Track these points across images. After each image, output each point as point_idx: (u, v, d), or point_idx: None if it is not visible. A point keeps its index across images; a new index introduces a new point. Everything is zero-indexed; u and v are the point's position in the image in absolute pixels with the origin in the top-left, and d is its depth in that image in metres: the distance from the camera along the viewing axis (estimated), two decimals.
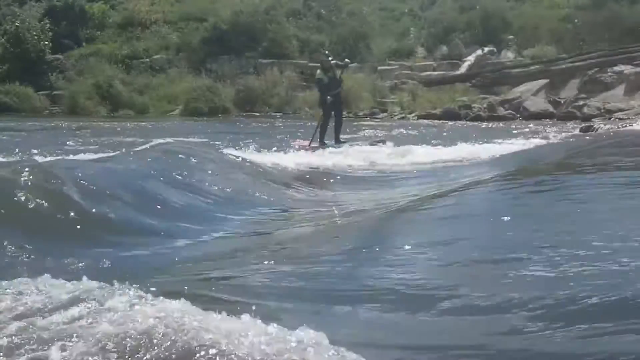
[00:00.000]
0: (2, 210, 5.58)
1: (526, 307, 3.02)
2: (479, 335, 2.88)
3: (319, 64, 14.30)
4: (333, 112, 13.99)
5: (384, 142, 14.29)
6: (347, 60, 15.19)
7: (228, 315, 2.85)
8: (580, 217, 4.85)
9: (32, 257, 4.86)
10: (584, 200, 5.47)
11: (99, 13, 35.84)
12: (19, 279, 3.56)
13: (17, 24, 32.43)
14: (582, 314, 2.91)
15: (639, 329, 2.66)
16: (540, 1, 33.31)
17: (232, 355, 2.47)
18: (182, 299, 3.01)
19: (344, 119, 15.15)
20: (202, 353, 2.50)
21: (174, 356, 2.52)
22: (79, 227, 5.68)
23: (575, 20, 29.14)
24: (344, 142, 14.09)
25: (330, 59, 14.01)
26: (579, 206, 5.25)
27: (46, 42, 32.80)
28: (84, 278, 3.47)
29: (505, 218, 4.86)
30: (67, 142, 15.07)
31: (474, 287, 3.40)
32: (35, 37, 32.32)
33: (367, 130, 19.34)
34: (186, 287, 3.66)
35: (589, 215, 4.90)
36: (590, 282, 3.25)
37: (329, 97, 13.48)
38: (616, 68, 23.51)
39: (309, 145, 13.74)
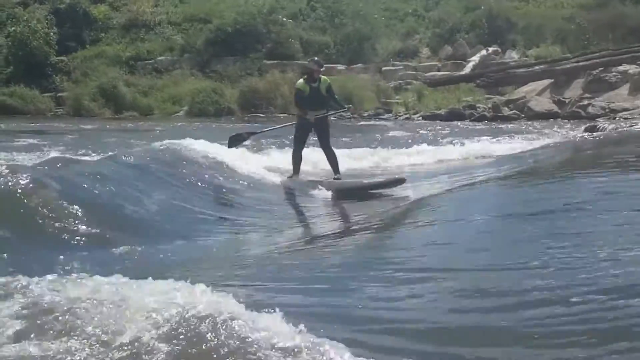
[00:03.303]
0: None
1: None
2: None
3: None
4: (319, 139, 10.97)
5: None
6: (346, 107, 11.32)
7: None
8: None
9: None
10: None
11: (100, 15, 35.79)
12: None
13: (20, 27, 32.43)
14: None
15: None
16: (545, 1, 33.27)
17: None
18: None
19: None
20: None
21: None
22: None
23: (578, 21, 29.05)
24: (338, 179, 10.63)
25: (322, 69, 10.86)
26: None
27: (51, 44, 32.74)
28: None
29: None
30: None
31: None
32: (40, 39, 32.25)
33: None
34: None
35: None
36: None
37: (308, 116, 10.57)
38: (620, 67, 23.52)
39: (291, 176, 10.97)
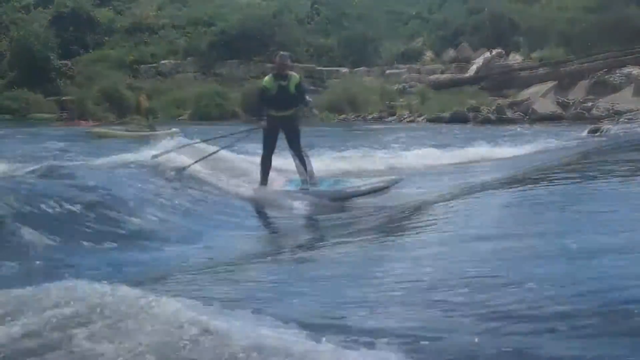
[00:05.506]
0: None
1: None
2: None
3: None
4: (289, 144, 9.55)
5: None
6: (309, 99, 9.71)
7: None
8: None
9: None
10: None
11: (104, 19, 35.84)
12: None
13: (22, 31, 32.50)
14: None
15: None
16: (549, 3, 33.22)
17: None
18: None
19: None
20: None
21: None
22: None
23: (582, 23, 29.01)
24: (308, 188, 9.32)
25: (291, 64, 9.95)
26: None
27: (53, 48, 32.77)
28: None
29: None
30: None
31: None
32: (41, 44, 32.27)
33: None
34: None
35: None
36: None
37: (270, 114, 9.32)
38: (624, 70, 23.50)
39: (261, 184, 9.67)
